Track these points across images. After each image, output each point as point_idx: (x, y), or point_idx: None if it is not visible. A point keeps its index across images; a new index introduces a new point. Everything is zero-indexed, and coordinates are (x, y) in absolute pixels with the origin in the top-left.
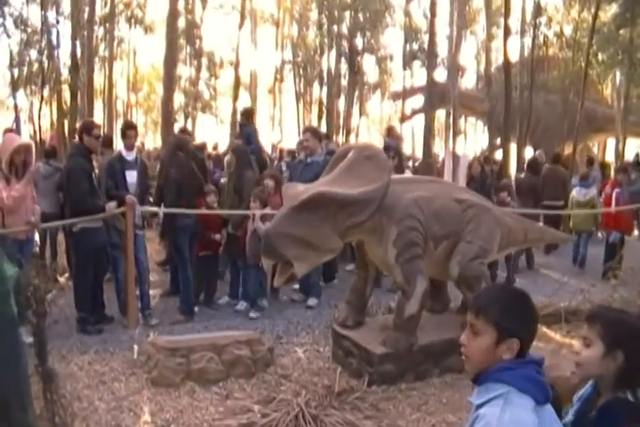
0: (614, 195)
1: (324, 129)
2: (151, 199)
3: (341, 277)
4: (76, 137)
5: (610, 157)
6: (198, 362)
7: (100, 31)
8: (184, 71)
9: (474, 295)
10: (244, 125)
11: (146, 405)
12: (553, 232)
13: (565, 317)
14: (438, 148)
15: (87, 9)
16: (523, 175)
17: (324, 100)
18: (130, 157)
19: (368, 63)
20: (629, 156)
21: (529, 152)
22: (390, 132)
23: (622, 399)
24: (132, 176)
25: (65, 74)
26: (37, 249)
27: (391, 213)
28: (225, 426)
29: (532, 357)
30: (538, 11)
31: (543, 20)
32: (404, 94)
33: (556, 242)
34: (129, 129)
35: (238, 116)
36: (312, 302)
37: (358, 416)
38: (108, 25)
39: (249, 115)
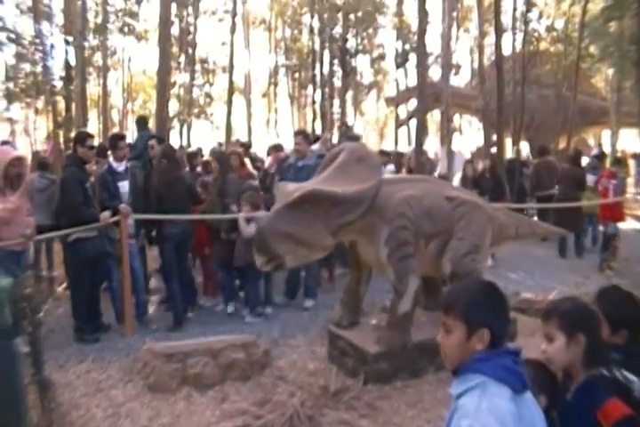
0: (611, 186)
1: (319, 131)
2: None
3: None
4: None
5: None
6: (194, 367)
7: (93, 41)
8: (178, 78)
9: (444, 295)
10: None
11: (143, 411)
12: (545, 227)
13: None
14: (434, 146)
15: (79, 19)
16: (566, 166)
17: (318, 103)
18: (120, 167)
19: (362, 64)
20: (624, 146)
21: (524, 147)
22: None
23: (600, 375)
24: (124, 187)
25: (59, 85)
26: (32, 260)
27: (382, 212)
28: None
29: (509, 347)
30: (529, 5)
31: (534, 15)
32: (399, 99)
33: (549, 235)
34: (120, 140)
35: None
36: (308, 303)
37: (353, 415)
38: (100, 35)
39: (141, 123)
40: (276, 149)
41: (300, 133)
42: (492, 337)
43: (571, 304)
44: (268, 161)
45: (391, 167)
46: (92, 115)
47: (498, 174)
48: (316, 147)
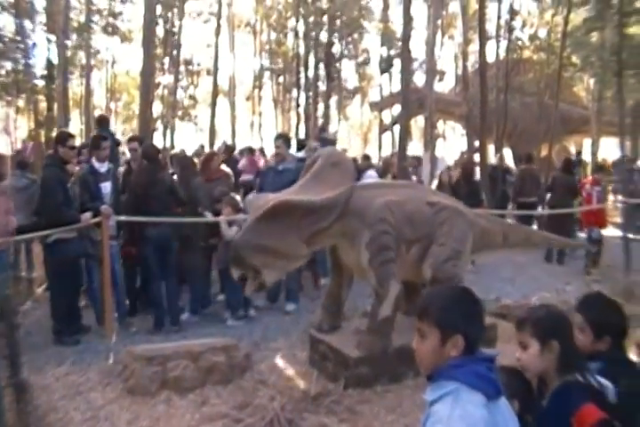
0: (595, 193)
1: (302, 135)
2: None
3: None
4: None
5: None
6: (174, 370)
7: (76, 40)
8: (162, 79)
9: (418, 300)
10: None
11: (122, 414)
12: (546, 236)
13: None
14: (418, 152)
15: (62, 18)
16: (558, 174)
17: (302, 107)
18: (103, 168)
19: (347, 68)
20: (605, 155)
21: (507, 154)
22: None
23: (574, 381)
24: (105, 187)
25: (40, 84)
26: (12, 260)
27: (363, 217)
28: None
29: (484, 353)
30: (512, 14)
31: (518, 23)
32: (383, 104)
33: (548, 246)
34: (103, 141)
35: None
36: (290, 307)
37: (333, 420)
38: (84, 34)
39: (102, 123)
40: (250, 151)
41: (281, 137)
42: (466, 343)
43: (544, 312)
44: (241, 162)
45: (372, 173)
46: (75, 115)
47: (474, 181)
48: (300, 155)
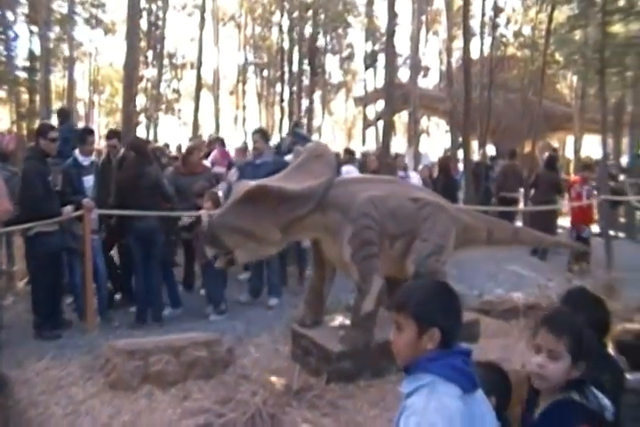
0: (584, 192)
1: (286, 129)
2: None
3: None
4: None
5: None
6: (156, 364)
7: (59, 32)
8: (146, 72)
9: (397, 293)
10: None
11: (103, 408)
12: (535, 235)
13: (523, 311)
14: (402, 147)
15: (44, 9)
16: (541, 171)
17: (286, 101)
18: (86, 162)
19: (331, 63)
20: (588, 152)
21: (491, 151)
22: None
23: (571, 400)
24: (88, 181)
25: (22, 76)
26: None
27: (346, 211)
28: None
29: (460, 347)
30: (497, 11)
31: (502, 20)
32: (368, 99)
33: (540, 246)
34: (90, 134)
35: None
36: (272, 302)
37: (316, 414)
38: (67, 25)
39: (62, 116)
40: (222, 143)
41: (258, 132)
42: (443, 336)
43: (580, 328)
44: (212, 154)
45: (350, 168)
46: (57, 107)
47: (452, 177)
48: (288, 157)
